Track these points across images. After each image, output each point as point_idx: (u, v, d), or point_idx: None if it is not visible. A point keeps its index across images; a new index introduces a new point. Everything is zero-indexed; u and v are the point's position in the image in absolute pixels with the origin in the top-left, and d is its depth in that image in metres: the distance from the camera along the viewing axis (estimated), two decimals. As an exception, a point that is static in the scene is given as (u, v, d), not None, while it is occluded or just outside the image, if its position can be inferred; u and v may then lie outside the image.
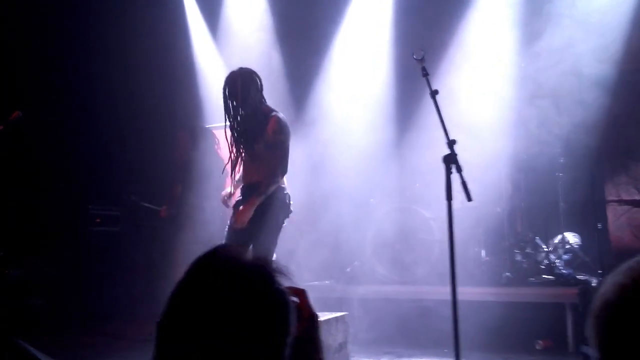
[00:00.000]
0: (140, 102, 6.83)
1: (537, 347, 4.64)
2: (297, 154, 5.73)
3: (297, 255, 5.64)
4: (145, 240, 6.56)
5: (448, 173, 2.94)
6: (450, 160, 2.93)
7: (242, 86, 3.83)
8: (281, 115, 3.94)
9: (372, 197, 5.95)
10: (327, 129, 5.74)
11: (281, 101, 6.21)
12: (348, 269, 5.75)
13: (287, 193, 4.06)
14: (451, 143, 2.97)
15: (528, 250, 5.45)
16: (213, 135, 6.56)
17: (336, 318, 3.26)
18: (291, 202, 4.08)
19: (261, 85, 3.97)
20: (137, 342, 4.98)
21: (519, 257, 5.41)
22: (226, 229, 4.05)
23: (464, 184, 2.92)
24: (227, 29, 6.83)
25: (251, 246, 3.91)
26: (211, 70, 6.94)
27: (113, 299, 6.25)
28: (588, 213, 5.43)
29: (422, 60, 3.08)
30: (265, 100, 3.99)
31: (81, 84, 6.88)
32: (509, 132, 5.35)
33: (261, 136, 3.87)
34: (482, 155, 5.30)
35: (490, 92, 5.33)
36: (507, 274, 5.27)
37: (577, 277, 5.11)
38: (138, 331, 5.18)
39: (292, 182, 6.15)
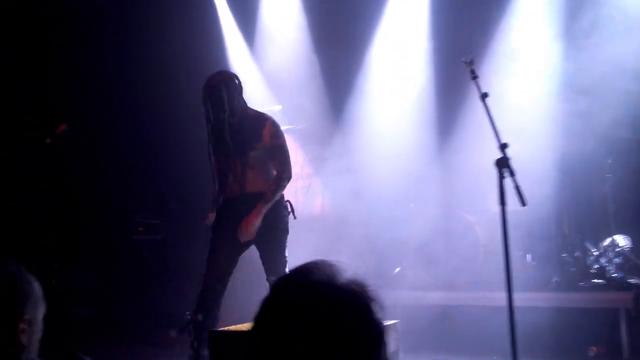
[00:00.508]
0: (182, 111, 6.89)
1: (590, 353, 4.49)
2: (336, 158, 5.73)
3: (334, 259, 5.60)
4: (187, 248, 6.61)
5: (500, 177, 2.87)
6: (503, 164, 2.86)
7: (228, 96, 3.74)
8: (274, 118, 3.90)
9: (412, 202, 5.88)
10: (366, 132, 5.70)
11: (319, 105, 6.22)
12: (395, 271, 5.68)
13: (288, 200, 3.95)
14: (503, 146, 2.90)
15: (577, 253, 5.31)
16: None
17: (387, 326, 3.20)
18: (293, 210, 3.94)
19: (241, 87, 3.89)
20: (181, 348, 5.01)
21: (567, 261, 5.27)
22: (216, 238, 3.85)
23: (517, 189, 2.86)
24: (263, 35, 6.85)
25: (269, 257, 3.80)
26: (248, 78, 6.98)
27: (156, 307, 6.31)
28: (638, 214, 5.26)
29: (471, 63, 3.03)
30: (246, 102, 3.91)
31: (124, 95, 6.99)
32: (554, 132, 5.22)
33: (256, 142, 3.77)
34: (527, 157, 5.19)
35: (533, 93, 5.22)
36: (556, 278, 5.14)
37: (629, 280, 4.95)
38: (181, 339, 5.20)
39: (332, 187, 6.18)
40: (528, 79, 5.34)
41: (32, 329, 1.67)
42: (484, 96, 3.00)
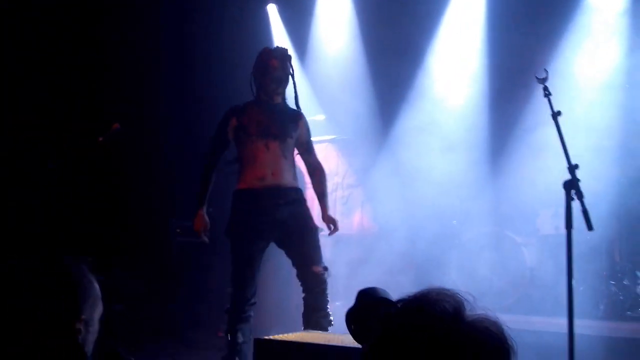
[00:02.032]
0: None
1: (637, 386, 4.35)
2: (385, 171, 5.67)
3: (376, 277, 5.54)
4: (224, 251, 6.60)
5: (568, 199, 2.80)
6: (572, 186, 2.78)
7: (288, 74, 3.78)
8: None
9: (455, 219, 5.79)
10: (416, 146, 5.63)
11: (368, 116, 6.18)
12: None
13: None
14: (572, 168, 2.82)
15: (625, 281, 5.16)
16: None
17: None
18: None
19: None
20: (214, 350, 5.00)
21: (614, 289, 5.12)
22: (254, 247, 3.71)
23: (584, 212, 2.78)
24: (314, 44, 6.85)
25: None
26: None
27: (193, 308, 6.32)
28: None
29: (544, 79, 2.96)
30: None
31: (170, 101, 7.05)
32: (608, 154, 5.09)
33: (294, 130, 3.73)
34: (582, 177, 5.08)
35: (590, 111, 5.11)
36: (602, 306, 5.00)
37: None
38: (215, 341, 5.19)
39: (374, 200, 6.12)
40: (587, 97, 5.22)
41: (88, 330, 1.64)
42: (556, 115, 2.93)
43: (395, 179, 5.75)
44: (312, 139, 3.96)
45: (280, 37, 7.11)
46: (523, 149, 4.92)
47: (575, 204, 2.81)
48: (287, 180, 3.67)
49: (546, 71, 2.95)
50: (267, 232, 3.68)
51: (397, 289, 4.67)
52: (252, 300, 3.69)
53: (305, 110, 6.66)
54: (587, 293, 5.21)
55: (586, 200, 5.03)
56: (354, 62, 6.48)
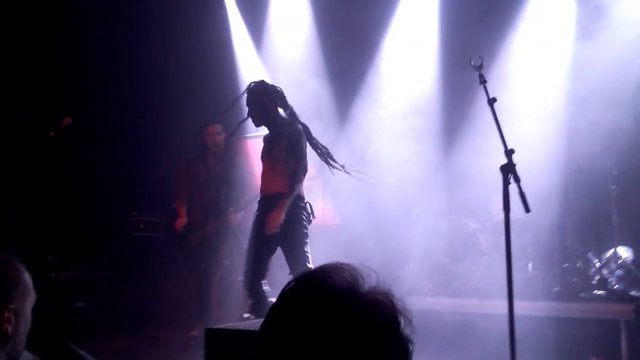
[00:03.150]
0: (186, 110, 6.90)
1: (590, 364, 4.48)
2: (340, 159, 5.71)
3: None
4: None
5: (506, 183, 2.86)
6: (509, 170, 2.85)
7: (261, 106, 4.36)
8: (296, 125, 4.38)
9: (415, 207, 5.86)
10: (371, 135, 5.67)
11: (325, 106, 6.20)
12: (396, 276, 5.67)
13: (307, 202, 4.40)
14: (509, 152, 2.89)
15: (579, 264, 5.28)
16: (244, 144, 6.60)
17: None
18: (312, 211, 4.42)
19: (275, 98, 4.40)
20: (175, 346, 5.01)
21: (568, 271, 5.24)
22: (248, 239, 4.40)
23: (521, 195, 2.85)
24: (271, 35, 6.85)
25: (287, 252, 4.29)
26: (254, 78, 6.97)
27: (153, 304, 6.30)
28: (642, 227, 5.24)
29: (480, 67, 3.02)
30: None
31: (125, 92, 7.00)
32: (558, 141, 5.20)
33: (277, 143, 4.29)
34: (530, 165, 5.17)
35: (540, 100, 5.21)
36: (557, 288, 5.11)
37: (631, 293, 4.92)
38: (176, 336, 5.20)
39: (333, 190, 6.15)
40: (535, 85, 5.33)
41: (18, 320, 1.62)
42: (492, 101, 2.99)
43: (351, 169, 5.77)
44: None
45: (237, 27, 7.10)
46: (476, 135, 4.98)
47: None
48: (270, 189, 4.35)
49: (481, 58, 3.01)
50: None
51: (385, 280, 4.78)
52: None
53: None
54: (542, 276, 5.32)
55: (537, 187, 5.17)
56: (311, 50, 6.48)
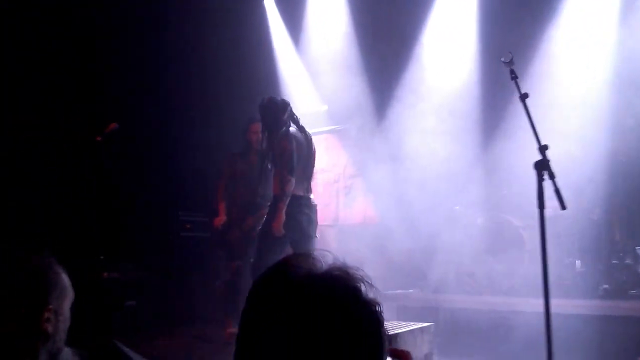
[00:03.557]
0: (231, 111, 7.01)
1: (639, 364, 4.33)
2: (383, 159, 5.72)
3: (381, 264, 5.59)
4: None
5: (540, 180, 2.81)
6: (543, 166, 2.80)
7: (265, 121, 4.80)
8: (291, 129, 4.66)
9: (457, 205, 5.80)
10: (409, 134, 5.64)
11: (364, 105, 6.21)
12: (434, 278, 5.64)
13: (314, 204, 4.69)
14: (543, 148, 2.84)
15: (627, 261, 5.13)
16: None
17: (421, 329, 3.19)
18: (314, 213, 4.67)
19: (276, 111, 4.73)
20: (219, 344, 5.11)
21: (616, 268, 5.09)
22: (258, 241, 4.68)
23: (557, 192, 2.79)
24: (309, 34, 6.89)
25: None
26: (295, 79, 7.05)
27: (200, 303, 6.44)
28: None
29: (510, 62, 2.98)
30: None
31: (176, 95, 7.15)
32: (604, 134, 5.05)
33: (269, 152, 4.73)
34: (577, 159, 5.05)
35: (583, 92, 5.06)
36: (605, 286, 4.98)
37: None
38: (220, 334, 5.30)
39: (375, 188, 6.16)
40: (578, 79, 5.18)
41: (58, 319, 1.70)
42: (523, 97, 2.94)
43: (393, 166, 5.77)
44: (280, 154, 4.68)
45: (277, 29, 7.16)
46: (518, 129, 4.89)
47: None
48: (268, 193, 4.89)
49: (511, 54, 2.96)
50: None
51: (402, 276, 4.78)
52: None
53: (307, 100, 6.78)
54: (589, 273, 5.19)
55: (584, 182, 5.04)
56: (349, 50, 6.50)
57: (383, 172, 5.83)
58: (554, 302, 4.62)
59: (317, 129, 6.93)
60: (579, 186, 5.05)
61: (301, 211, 4.57)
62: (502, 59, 2.98)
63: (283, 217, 4.45)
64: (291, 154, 4.53)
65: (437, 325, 5.39)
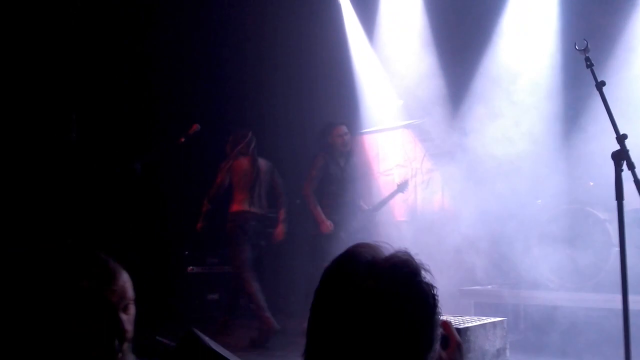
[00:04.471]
0: (303, 110, 7.11)
1: None
2: (457, 153, 5.63)
3: (456, 259, 5.52)
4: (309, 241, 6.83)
5: (618, 171, 2.70)
6: (621, 156, 2.69)
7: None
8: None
9: (539, 198, 5.61)
10: (487, 127, 5.52)
11: (440, 99, 6.13)
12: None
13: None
14: (621, 138, 2.72)
15: None
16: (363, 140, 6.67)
17: (493, 323, 3.14)
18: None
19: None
20: (297, 336, 5.22)
21: None
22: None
23: (637, 183, 2.67)
24: (384, 30, 6.87)
25: None
26: (369, 73, 7.06)
27: (279, 296, 6.60)
28: None
29: (585, 50, 2.87)
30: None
31: (245, 93, 7.34)
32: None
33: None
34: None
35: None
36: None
37: None
38: (299, 327, 5.42)
39: (452, 182, 6.06)
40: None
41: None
42: (600, 85, 2.83)
43: (471, 159, 5.67)
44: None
45: (351, 24, 7.18)
46: (600, 119, 4.68)
47: None
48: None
49: (586, 41, 2.85)
50: None
51: (479, 270, 4.71)
52: None
53: (383, 95, 6.78)
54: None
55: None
56: (424, 44, 6.42)
57: (460, 165, 5.74)
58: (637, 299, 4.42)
59: (393, 124, 6.93)
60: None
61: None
62: (576, 47, 2.88)
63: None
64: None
65: (515, 322, 5.28)
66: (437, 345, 1.06)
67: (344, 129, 5.67)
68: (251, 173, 5.64)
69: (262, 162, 5.78)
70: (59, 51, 6.08)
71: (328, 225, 5.42)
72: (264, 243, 5.89)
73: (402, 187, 5.95)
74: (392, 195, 6.01)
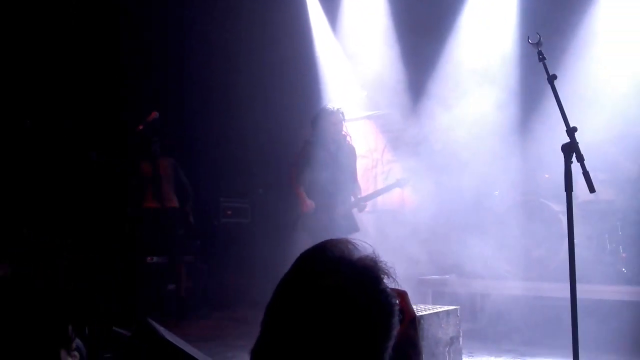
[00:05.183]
0: (270, 102, 7.09)
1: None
2: (416, 144, 5.69)
3: (416, 249, 5.59)
4: (272, 231, 6.84)
5: (568, 163, 2.77)
6: (571, 149, 2.76)
7: None
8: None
9: (495, 190, 5.71)
10: (446, 119, 5.58)
11: (401, 91, 6.18)
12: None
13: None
14: (571, 131, 2.79)
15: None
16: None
17: (447, 311, 3.19)
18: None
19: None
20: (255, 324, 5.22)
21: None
22: None
23: (585, 174, 2.75)
24: (347, 23, 6.88)
25: None
26: (332, 67, 7.07)
27: (241, 286, 6.60)
28: None
29: (538, 43, 2.92)
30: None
31: (214, 86, 7.28)
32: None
33: None
34: (619, 141, 4.92)
35: (622, 71, 4.90)
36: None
37: None
38: (259, 317, 5.42)
39: (411, 173, 6.13)
40: (616, 57, 5.01)
41: None
42: (552, 78, 2.89)
43: (430, 151, 5.74)
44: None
45: (315, 15, 7.17)
46: (555, 112, 4.78)
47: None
48: None
49: (539, 35, 2.91)
50: None
51: (438, 260, 4.76)
52: None
53: (346, 86, 6.78)
54: (632, 260, 5.05)
55: (626, 164, 4.89)
56: (387, 34, 6.46)
57: (420, 156, 5.80)
58: (595, 288, 4.56)
59: (356, 114, 6.95)
60: (621, 170, 4.92)
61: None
62: (529, 40, 2.93)
63: None
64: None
65: (471, 311, 5.39)
66: (388, 354, 1.06)
67: (340, 115, 5.39)
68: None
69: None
70: (16, 38, 5.92)
71: (308, 204, 5.32)
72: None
73: (401, 182, 5.68)
74: (388, 188, 5.78)
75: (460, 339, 3.27)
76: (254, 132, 7.41)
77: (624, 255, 5.06)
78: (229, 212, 7.34)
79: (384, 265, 1.09)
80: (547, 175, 5.49)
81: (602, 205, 5.14)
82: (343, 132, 5.43)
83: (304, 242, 5.44)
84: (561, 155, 4.14)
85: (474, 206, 5.53)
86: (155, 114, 5.20)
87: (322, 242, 1.12)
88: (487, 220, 5.44)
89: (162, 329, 3.00)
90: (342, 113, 5.40)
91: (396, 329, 1.07)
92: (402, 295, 1.18)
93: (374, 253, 1.10)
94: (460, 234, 5.59)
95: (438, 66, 6.00)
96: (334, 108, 5.41)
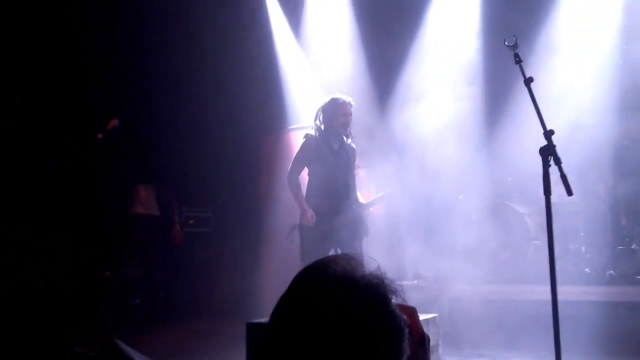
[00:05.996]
0: (232, 108, 6.97)
1: (647, 349, 4.31)
2: (383, 150, 5.67)
3: (386, 255, 5.57)
4: (235, 240, 6.71)
5: (546, 166, 2.77)
6: (548, 152, 2.76)
7: None
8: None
9: (460, 194, 5.76)
10: (413, 122, 5.59)
11: (366, 97, 6.17)
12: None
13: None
14: (549, 134, 2.80)
15: (633, 246, 5.10)
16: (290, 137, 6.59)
17: (426, 320, 3.15)
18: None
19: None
20: (220, 338, 5.10)
21: (623, 254, 5.07)
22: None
23: (563, 177, 2.75)
24: (309, 27, 6.84)
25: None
26: (294, 71, 7.00)
27: (203, 298, 6.44)
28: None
29: (514, 46, 2.93)
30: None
31: (174, 91, 7.12)
32: (610, 117, 5.00)
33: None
34: (581, 143, 5.01)
35: (588, 76, 5.01)
36: (611, 271, 4.95)
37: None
38: (223, 329, 5.29)
39: (378, 179, 6.12)
40: (583, 62, 5.13)
41: None
42: (528, 81, 2.90)
43: (397, 156, 5.74)
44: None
45: (277, 19, 7.10)
46: (519, 116, 4.84)
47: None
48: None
49: (515, 37, 2.91)
50: None
51: (407, 264, 4.72)
52: None
53: (309, 91, 6.72)
54: (595, 260, 5.16)
55: (588, 167, 5.00)
56: (351, 38, 6.45)
57: (387, 161, 5.79)
58: (560, 289, 4.62)
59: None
60: (584, 171, 5.02)
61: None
62: (506, 43, 2.93)
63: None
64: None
65: (441, 316, 5.40)
66: None
67: (350, 107, 4.75)
68: None
69: None
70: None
71: (309, 216, 4.56)
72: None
73: (392, 193, 5.30)
74: (388, 194, 5.29)
75: (440, 347, 3.24)
76: (215, 140, 7.27)
77: (587, 255, 5.17)
78: (191, 222, 7.16)
79: (390, 283, 1.01)
80: (509, 179, 5.58)
81: (564, 207, 5.25)
82: (349, 129, 4.82)
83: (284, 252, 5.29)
84: (527, 158, 4.21)
85: (440, 210, 5.56)
86: (115, 122, 5.02)
87: (323, 260, 1.03)
88: (453, 224, 5.48)
89: (128, 349, 2.87)
90: (352, 106, 4.78)
91: (406, 354, 0.99)
92: (411, 312, 1.09)
93: (379, 269, 1.02)
94: (427, 238, 5.61)
95: (405, 70, 6.01)
96: (345, 99, 4.75)
